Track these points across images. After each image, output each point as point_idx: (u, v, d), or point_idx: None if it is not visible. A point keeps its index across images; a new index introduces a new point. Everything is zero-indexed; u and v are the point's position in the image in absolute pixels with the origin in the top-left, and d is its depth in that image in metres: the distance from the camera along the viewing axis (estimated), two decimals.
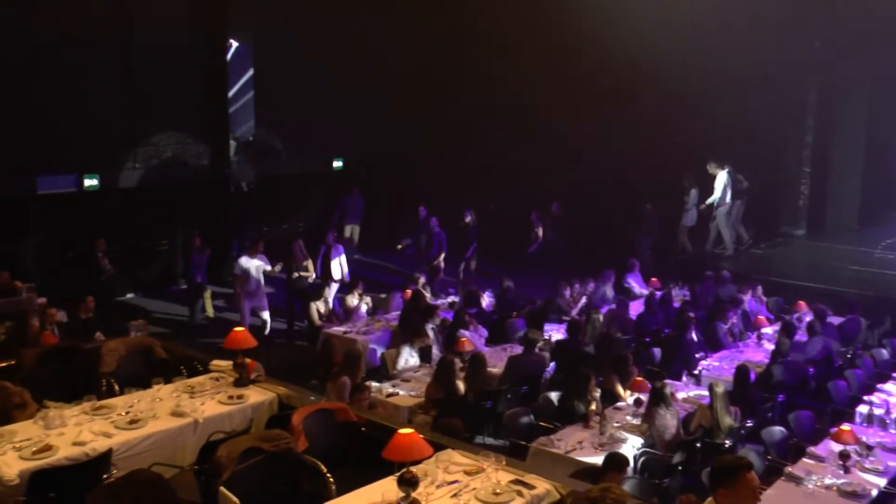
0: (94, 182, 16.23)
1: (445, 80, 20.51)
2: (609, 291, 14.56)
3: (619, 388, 9.73)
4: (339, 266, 14.76)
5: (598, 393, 9.19)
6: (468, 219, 17.33)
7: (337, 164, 20.52)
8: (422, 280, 14.37)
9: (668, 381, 9.88)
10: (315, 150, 20.09)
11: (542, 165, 19.53)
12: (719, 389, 8.89)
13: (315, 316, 13.12)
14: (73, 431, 5.98)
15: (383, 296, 14.28)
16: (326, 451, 5.92)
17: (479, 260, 17.41)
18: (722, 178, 17.81)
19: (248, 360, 7.13)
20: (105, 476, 5.54)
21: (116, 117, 16.51)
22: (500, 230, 18.93)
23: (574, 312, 13.47)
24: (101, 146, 16.26)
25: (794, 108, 19.70)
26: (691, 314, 12.12)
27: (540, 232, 18.78)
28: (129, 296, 16.88)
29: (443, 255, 16.35)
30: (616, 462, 7.23)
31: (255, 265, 13.66)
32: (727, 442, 8.69)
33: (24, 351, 7.50)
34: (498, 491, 5.12)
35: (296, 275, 14.12)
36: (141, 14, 16.51)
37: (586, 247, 18.07)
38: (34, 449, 5.63)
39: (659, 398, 8.75)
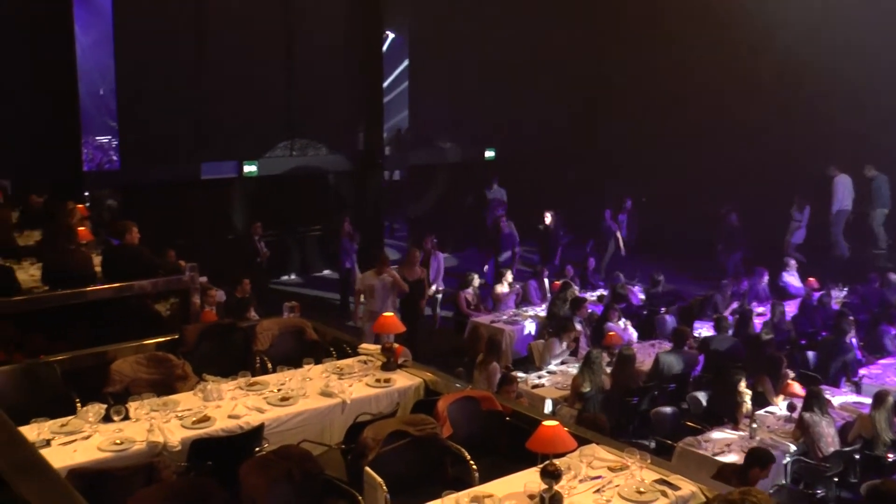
0: (253, 168, 16.88)
1: (595, 73, 20.27)
2: (763, 290, 14.07)
3: (772, 392, 9.38)
4: (436, 274, 14.30)
5: (748, 395, 8.90)
6: (548, 220, 16.64)
7: (489, 153, 20.58)
8: (570, 272, 14.25)
9: (824, 386, 9.45)
10: (467, 139, 20.22)
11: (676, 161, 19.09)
12: (889, 399, 8.42)
13: (463, 304, 13.22)
14: (229, 405, 6.22)
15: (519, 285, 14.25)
16: (470, 438, 5.94)
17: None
18: (840, 182, 16.75)
19: (395, 345, 7.25)
20: (257, 449, 5.74)
21: (276, 106, 17.11)
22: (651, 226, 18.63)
23: (727, 311, 13.07)
24: (260, 134, 16.91)
25: None
26: (851, 317, 11.55)
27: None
28: (284, 278, 17.48)
29: (508, 254, 15.95)
30: (758, 457, 6.98)
31: (380, 283, 11.67)
32: (890, 456, 8.24)
33: (186, 327, 7.82)
34: (641, 490, 5.02)
35: (434, 291, 13.19)
36: (302, 5, 17.02)
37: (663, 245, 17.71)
38: (194, 419, 5.90)
39: (814, 404, 8.38)
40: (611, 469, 5.27)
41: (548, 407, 9.57)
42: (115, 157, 15.38)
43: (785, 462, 8.14)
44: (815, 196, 16.95)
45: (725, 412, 8.77)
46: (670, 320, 12.39)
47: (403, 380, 6.93)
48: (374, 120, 18.44)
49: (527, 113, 19.90)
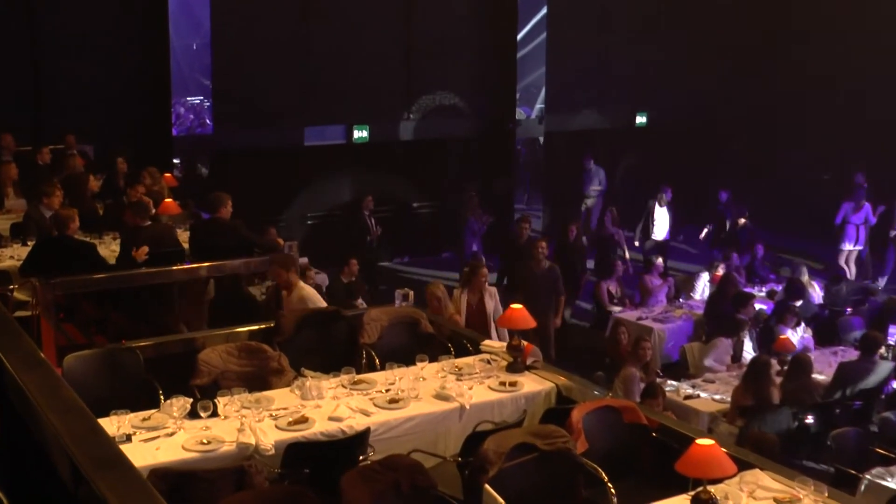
0: (364, 134, 17.08)
1: (774, 23, 19.69)
2: None
3: None
4: None
5: None
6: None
7: (640, 119, 20.31)
8: (735, 261, 13.98)
9: None
10: (615, 102, 19.98)
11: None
12: None
13: (605, 297, 13.12)
14: (330, 405, 6.32)
15: (684, 276, 14.07)
16: (609, 455, 5.90)
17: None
18: None
19: (524, 343, 7.23)
20: (361, 457, 5.82)
21: (391, 64, 17.25)
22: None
23: None
24: (372, 96, 17.06)
25: None
26: None
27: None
28: (397, 260, 17.68)
29: None
30: None
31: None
32: None
33: (284, 314, 8.02)
34: None
35: None
36: None
37: None
38: (290, 419, 6.02)
39: None
40: (778, 501, 5.17)
41: (703, 422, 9.42)
42: (207, 121, 15.82)
43: None
44: None
45: None
46: (858, 323, 12.02)
47: (532, 384, 6.92)
48: (506, 79, 18.41)
49: (687, 72, 19.51)
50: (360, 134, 17.10)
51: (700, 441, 5.02)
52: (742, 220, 16.21)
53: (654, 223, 16.27)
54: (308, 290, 8.74)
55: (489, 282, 10.85)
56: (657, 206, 16.28)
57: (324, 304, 8.69)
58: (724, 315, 11.63)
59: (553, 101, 19.23)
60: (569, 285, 12.86)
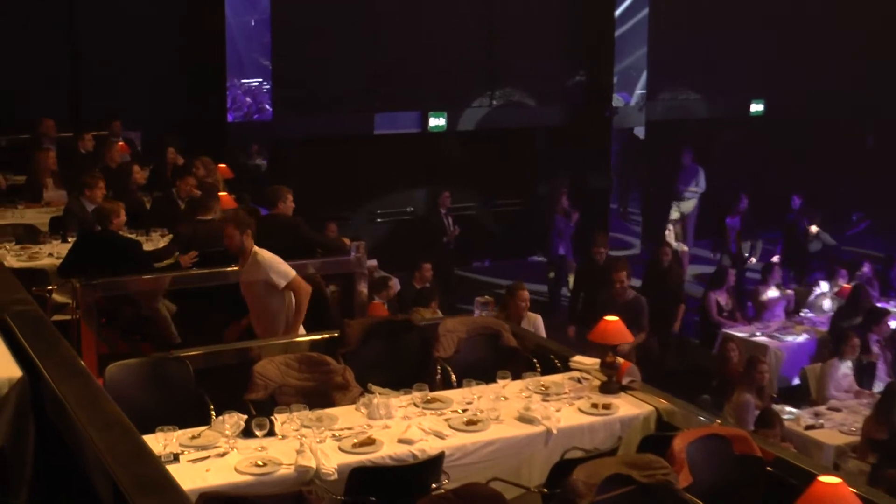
0: (441, 122, 17.12)
1: None
2: None
3: None
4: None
5: None
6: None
7: (756, 108, 20.06)
8: (867, 272, 13.74)
9: None
10: (727, 87, 19.77)
11: None
12: None
13: (713, 309, 12.99)
14: (400, 426, 6.34)
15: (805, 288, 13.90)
16: (716, 491, 5.84)
17: None
18: None
19: (620, 361, 7.20)
20: (434, 485, 5.84)
21: (471, 43, 17.26)
22: None
23: None
24: (450, 79, 17.09)
25: None
26: None
27: None
28: (476, 264, 17.68)
29: None
30: None
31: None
32: None
33: (349, 322, 8.04)
34: None
35: None
36: None
37: None
38: (355, 441, 6.05)
39: None
40: None
41: (828, 457, 9.29)
42: (267, 106, 15.99)
43: None
44: None
45: None
46: None
47: (628, 407, 6.88)
48: (602, 60, 18.34)
49: (812, 53, 19.22)
50: (436, 122, 17.14)
51: (824, 478, 4.95)
52: (814, 230, 15.82)
53: (729, 235, 15.89)
54: (267, 256, 8.17)
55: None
56: (731, 215, 15.93)
57: (284, 272, 8.22)
58: (850, 331, 11.44)
59: (655, 86, 19.08)
60: (663, 320, 12.61)
